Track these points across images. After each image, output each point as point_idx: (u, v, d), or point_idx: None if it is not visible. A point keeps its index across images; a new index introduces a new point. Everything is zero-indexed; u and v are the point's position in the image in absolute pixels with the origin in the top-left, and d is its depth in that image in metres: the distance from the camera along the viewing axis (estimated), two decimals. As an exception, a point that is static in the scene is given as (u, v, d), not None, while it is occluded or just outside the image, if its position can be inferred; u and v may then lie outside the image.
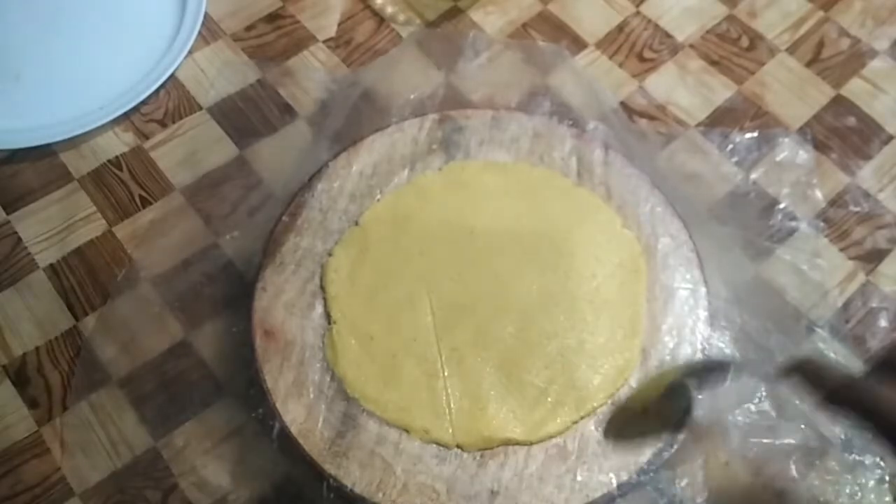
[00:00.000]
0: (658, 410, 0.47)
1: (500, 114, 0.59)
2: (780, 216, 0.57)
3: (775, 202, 0.58)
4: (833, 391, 0.36)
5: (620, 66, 0.65)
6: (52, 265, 0.56)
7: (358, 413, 0.48)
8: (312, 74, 0.64)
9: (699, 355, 0.49)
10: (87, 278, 0.56)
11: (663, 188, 0.55)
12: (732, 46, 0.66)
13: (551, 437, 0.47)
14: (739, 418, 0.49)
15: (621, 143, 0.58)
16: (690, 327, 0.50)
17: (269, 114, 0.63)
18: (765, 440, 0.48)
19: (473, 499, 0.46)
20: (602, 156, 0.57)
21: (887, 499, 0.48)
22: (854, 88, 0.63)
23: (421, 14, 0.68)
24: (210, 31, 0.67)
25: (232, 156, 0.61)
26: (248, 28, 0.67)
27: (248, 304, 0.51)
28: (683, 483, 0.47)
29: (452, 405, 0.48)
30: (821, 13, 0.67)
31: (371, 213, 0.55)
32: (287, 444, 0.47)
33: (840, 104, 0.63)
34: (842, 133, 0.61)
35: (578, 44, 0.66)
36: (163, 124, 0.62)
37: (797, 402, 0.50)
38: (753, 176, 0.59)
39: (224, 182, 0.59)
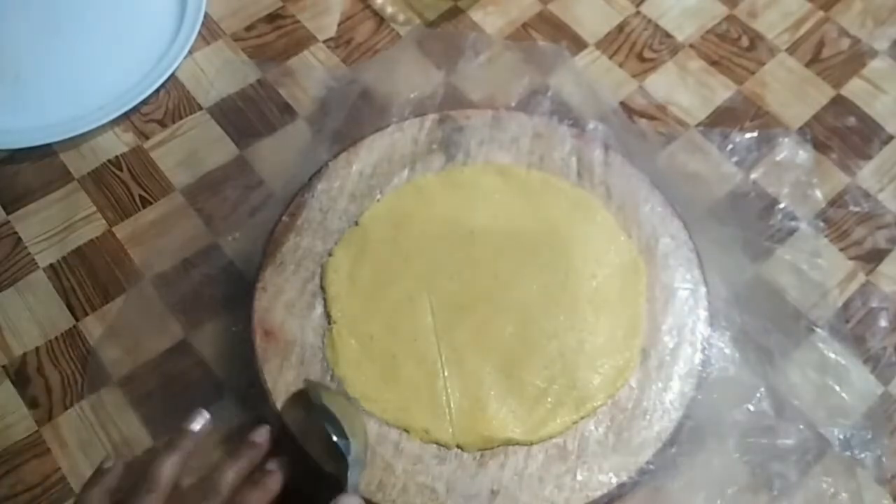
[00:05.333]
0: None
1: (500, 114, 0.59)
2: (780, 216, 0.57)
3: (775, 202, 0.58)
4: None
5: (620, 66, 0.65)
6: (52, 265, 0.57)
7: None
8: (312, 74, 0.65)
9: (699, 355, 0.49)
10: (87, 278, 0.56)
11: (663, 188, 0.55)
12: (732, 46, 0.66)
13: (551, 437, 0.47)
14: (738, 418, 0.49)
15: (621, 143, 0.58)
16: (690, 327, 0.50)
17: (269, 114, 0.63)
18: (763, 440, 0.48)
19: (473, 499, 0.46)
20: (602, 156, 0.57)
21: (886, 499, 0.48)
22: (854, 88, 0.63)
23: (421, 14, 0.68)
24: (210, 31, 0.67)
25: (232, 156, 0.61)
26: (248, 28, 0.67)
27: (248, 304, 0.51)
28: (683, 483, 0.47)
29: (452, 405, 0.48)
30: (821, 13, 0.67)
31: (371, 213, 0.55)
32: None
33: (840, 104, 0.63)
34: (842, 133, 0.61)
35: (578, 44, 0.66)
36: (163, 124, 0.62)
37: (796, 402, 0.50)
38: (753, 176, 0.59)
39: (224, 182, 0.59)
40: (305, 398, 0.46)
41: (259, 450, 0.44)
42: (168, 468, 0.41)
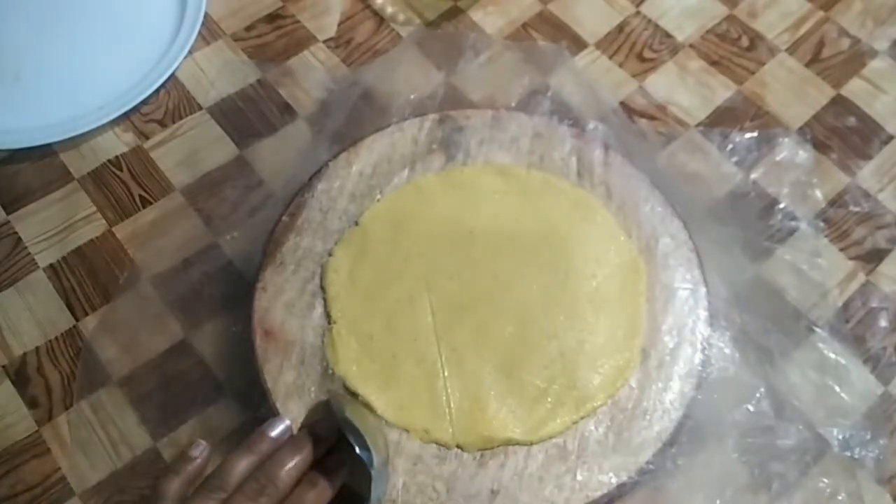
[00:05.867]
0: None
1: (500, 114, 0.59)
2: (780, 216, 0.57)
3: (775, 202, 0.58)
4: None
5: (620, 66, 0.65)
6: (52, 265, 0.57)
7: (358, 413, 0.48)
8: (312, 74, 0.65)
9: (699, 355, 0.49)
10: (87, 278, 0.56)
11: (663, 188, 0.55)
12: (732, 46, 0.66)
13: (551, 437, 0.47)
14: (738, 418, 0.49)
15: (621, 143, 0.58)
16: (690, 327, 0.50)
17: (269, 114, 0.63)
18: (763, 440, 0.48)
19: (473, 498, 0.46)
20: (602, 156, 0.57)
21: (886, 499, 0.48)
22: (854, 88, 0.63)
23: (421, 14, 0.68)
24: (210, 31, 0.67)
25: (232, 156, 0.61)
26: (248, 28, 0.67)
27: (248, 304, 0.51)
28: (683, 483, 0.47)
29: (452, 405, 0.48)
30: (821, 13, 0.67)
31: (371, 213, 0.55)
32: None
33: (840, 104, 0.63)
34: (842, 133, 0.61)
35: (578, 44, 0.66)
36: (163, 124, 0.62)
37: (796, 402, 0.50)
38: (753, 176, 0.59)
39: (224, 182, 0.59)
40: (327, 409, 0.45)
41: (321, 444, 0.43)
42: (240, 470, 0.40)
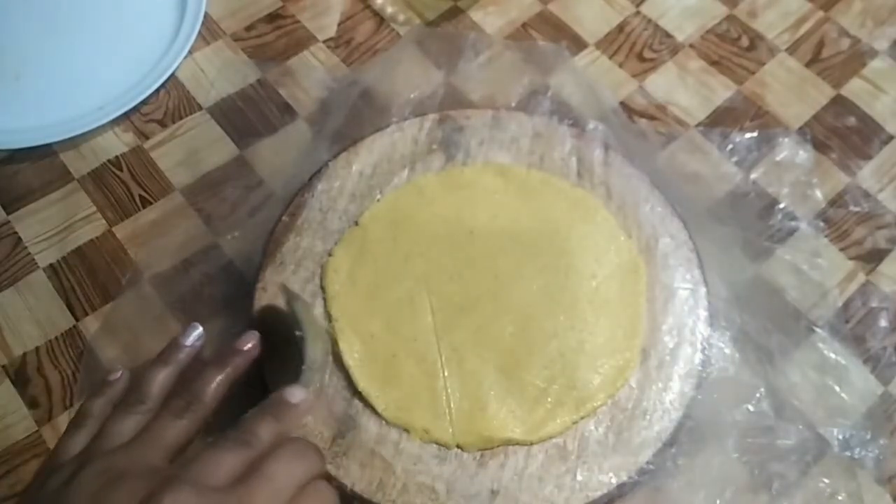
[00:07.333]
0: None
1: (500, 114, 0.59)
2: (780, 216, 0.57)
3: (775, 202, 0.58)
4: None
5: (620, 66, 0.65)
6: (52, 265, 0.57)
7: (358, 413, 0.48)
8: (312, 74, 0.65)
9: (699, 355, 0.49)
10: (87, 278, 0.56)
11: (663, 188, 0.55)
12: (732, 46, 0.66)
13: (551, 437, 0.47)
14: (738, 418, 0.49)
15: (621, 143, 0.58)
16: (690, 327, 0.50)
17: (269, 114, 0.63)
18: (763, 440, 0.48)
19: (473, 499, 0.46)
20: (602, 156, 0.57)
21: (886, 499, 0.48)
22: (854, 88, 0.63)
23: (421, 14, 0.68)
24: (210, 31, 0.67)
25: (232, 156, 0.61)
26: (248, 28, 0.68)
27: (248, 304, 0.51)
28: (683, 483, 0.47)
29: (452, 405, 0.48)
30: (821, 13, 0.67)
31: (371, 213, 0.55)
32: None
33: (840, 104, 0.63)
34: (842, 133, 0.61)
35: (578, 44, 0.66)
36: (163, 124, 0.63)
37: (796, 402, 0.50)
38: (753, 176, 0.59)
39: (224, 182, 0.59)
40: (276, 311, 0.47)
41: (245, 357, 0.43)
42: (159, 381, 0.40)
